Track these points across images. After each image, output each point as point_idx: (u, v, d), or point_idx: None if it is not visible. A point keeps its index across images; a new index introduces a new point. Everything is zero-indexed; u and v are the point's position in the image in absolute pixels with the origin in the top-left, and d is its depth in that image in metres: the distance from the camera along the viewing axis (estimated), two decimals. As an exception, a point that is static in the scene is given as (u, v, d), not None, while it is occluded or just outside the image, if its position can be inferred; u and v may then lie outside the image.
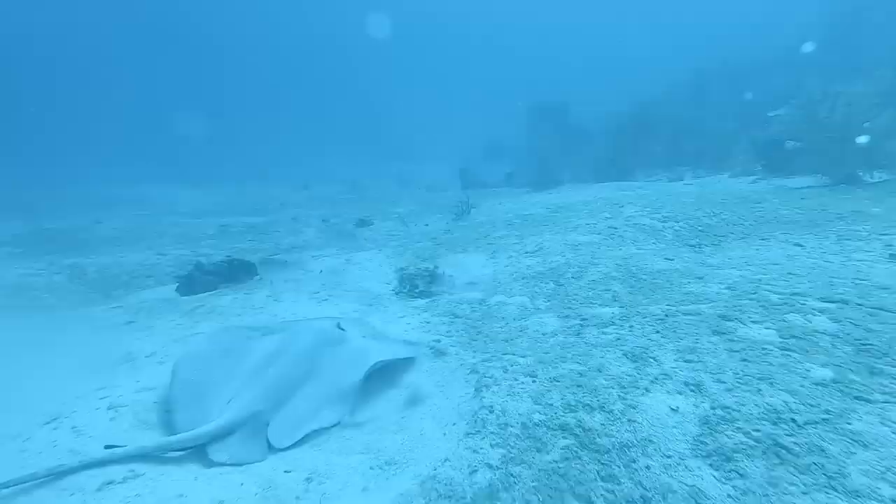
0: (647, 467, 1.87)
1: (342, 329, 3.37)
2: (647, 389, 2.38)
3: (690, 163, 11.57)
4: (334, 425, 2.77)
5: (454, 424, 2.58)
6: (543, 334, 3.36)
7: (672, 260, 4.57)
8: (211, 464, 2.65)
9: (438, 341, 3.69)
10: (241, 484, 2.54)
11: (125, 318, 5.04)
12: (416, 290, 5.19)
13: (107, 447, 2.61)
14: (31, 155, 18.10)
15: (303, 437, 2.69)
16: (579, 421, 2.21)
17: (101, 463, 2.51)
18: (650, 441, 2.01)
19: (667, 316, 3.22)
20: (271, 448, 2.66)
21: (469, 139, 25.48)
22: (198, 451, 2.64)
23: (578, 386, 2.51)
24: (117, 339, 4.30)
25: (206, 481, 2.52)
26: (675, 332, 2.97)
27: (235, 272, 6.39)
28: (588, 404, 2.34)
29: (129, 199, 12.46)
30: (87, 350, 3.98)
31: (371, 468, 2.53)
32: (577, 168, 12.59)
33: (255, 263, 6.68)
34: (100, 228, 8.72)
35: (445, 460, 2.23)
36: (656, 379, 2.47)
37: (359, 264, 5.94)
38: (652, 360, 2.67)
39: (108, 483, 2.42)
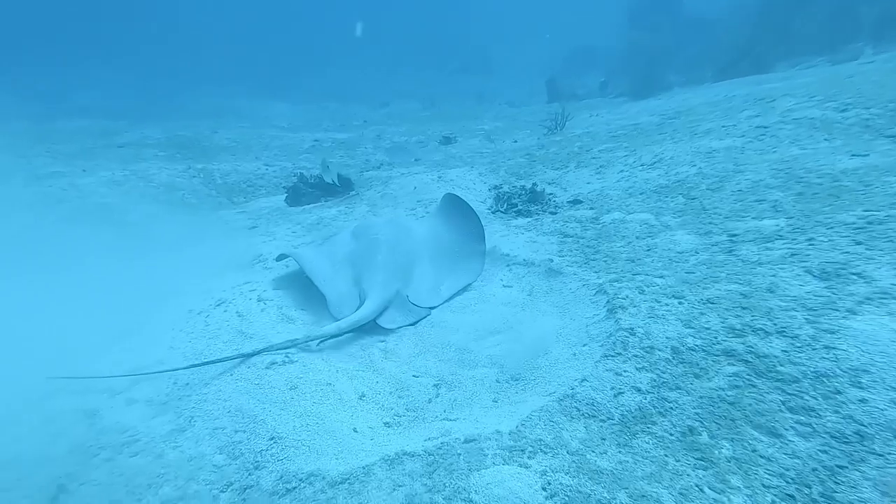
0: (863, 400, 1.60)
1: None
2: (851, 311, 2.01)
3: (868, 37, 9.03)
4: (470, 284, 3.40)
5: (585, 346, 2.46)
6: (680, 252, 3.00)
7: (865, 155, 3.75)
8: (350, 357, 2.86)
9: (551, 260, 3.49)
10: (377, 382, 2.71)
11: (249, 223, 5.44)
12: (515, 209, 4.93)
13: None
14: (153, 69, 19.32)
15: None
16: (750, 347, 1.96)
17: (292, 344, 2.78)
18: (865, 371, 1.71)
19: (869, 224, 2.67)
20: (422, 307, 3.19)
21: (553, 49, 22.75)
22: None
23: (743, 308, 2.21)
24: (248, 242, 4.67)
25: (346, 376, 2.72)
26: (891, 241, 2.45)
27: (333, 186, 6.55)
28: (761, 328, 2.05)
29: (231, 110, 13.04)
30: (229, 248, 4.38)
31: (497, 381, 2.55)
32: (688, 69, 10.64)
33: (351, 178, 6.78)
34: (217, 137, 9.28)
35: (583, 380, 2.14)
36: (868, 298, 2.07)
37: (451, 181, 5.73)
38: (855, 276, 2.24)
39: (273, 363, 2.70)
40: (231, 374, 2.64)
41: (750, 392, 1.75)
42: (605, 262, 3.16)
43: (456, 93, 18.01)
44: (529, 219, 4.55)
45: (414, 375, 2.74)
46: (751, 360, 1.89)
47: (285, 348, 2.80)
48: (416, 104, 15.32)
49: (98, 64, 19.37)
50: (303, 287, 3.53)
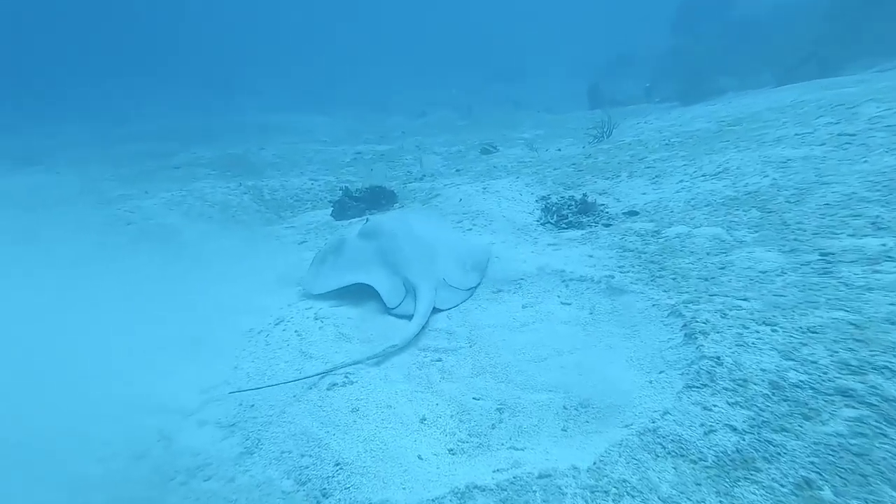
0: None
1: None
2: None
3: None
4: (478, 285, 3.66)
5: (662, 373, 2.31)
6: (763, 272, 2.78)
7: None
8: (408, 377, 2.84)
9: (612, 277, 3.34)
10: (437, 404, 2.67)
11: (299, 238, 5.61)
12: (565, 220, 4.79)
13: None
14: (199, 87, 20.63)
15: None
16: (873, 388, 1.75)
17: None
18: None
19: None
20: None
21: (589, 56, 22.33)
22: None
23: (857, 341, 2.00)
24: (299, 257, 4.80)
25: (406, 398, 2.70)
26: None
27: (378, 199, 6.65)
28: (885, 366, 1.84)
29: (274, 125, 13.63)
30: (281, 264, 4.51)
31: (564, 407, 2.44)
32: (742, 72, 10.09)
33: (394, 191, 6.86)
34: (263, 154, 9.72)
35: (665, 413, 2.00)
36: None
37: (497, 192, 5.67)
38: None
39: (334, 384, 2.73)
40: (294, 396, 2.69)
41: (881, 443, 1.56)
42: (674, 280, 2.98)
43: (491, 100, 17.99)
44: (583, 231, 4.40)
45: (474, 398, 2.68)
46: (876, 403, 1.68)
47: (385, 355, 2.94)
48: (452, 113, 15.42)
49: (152, 84, 20.86)
50: (354, 303, 3.58)
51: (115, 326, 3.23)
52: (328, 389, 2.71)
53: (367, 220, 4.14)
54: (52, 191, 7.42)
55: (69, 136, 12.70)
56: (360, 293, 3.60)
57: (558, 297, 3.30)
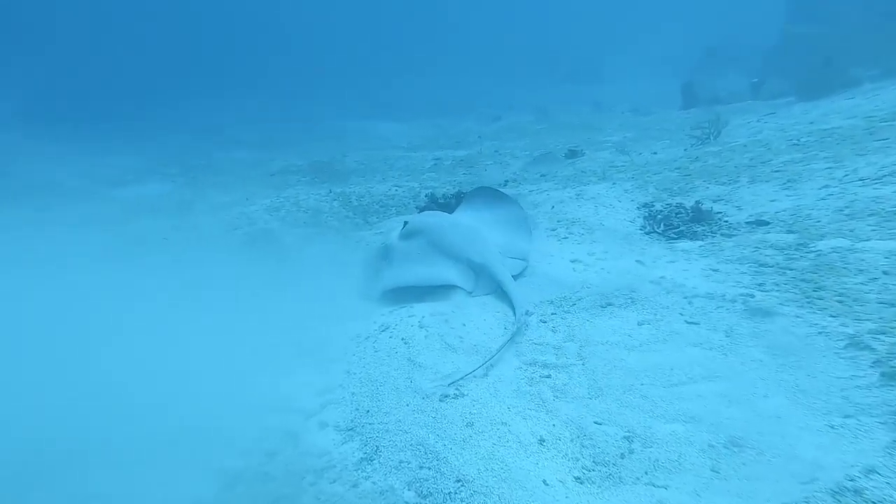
0: None
1: None
2: None
3: None
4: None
5: (849, 418, 1.99)
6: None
7: None
8: (518, 394, 2.75)
9: (751, 296, 3.00)
10: (553, 425, 2.55)
11: (388, 245, 5.80)
12: (674, 230, 4.43)
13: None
14: (285, 98, 22.47)
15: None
16: None
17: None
18: None
19: None
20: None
21: (674, 51, 20.90)
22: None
23: None
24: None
25: (519, 416, 2.61)
26: None
27: (464, 205, 6.67)
28: None
29: (354, 132, 14.38)
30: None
31: (710, 445, 2.20)
32: (881, 60, 8.76)
33: (479, 196, 6.85)
34: (347, 161, 10.27)
35: (869, 471, 1.69)
36: None
37: (592, 199, 5.41)
38: None
39: (445, 396, 2.73)
40: (408, 406, 2.72)
41: None
42: (843, 303, 2.59)
43: (568, 102, 17.47)
44: (700, 242, 4.04)
45: (596, 422, 2.53)
46: None
47: (518, 332, 3.17)
48: (528, 116, 15.18)
49: (242, 95, 23.05)
50: (440, 299, 3.59)
51: (240, 330, 3.51)
52: (440, 401, 2.71)
53: (407, 222, 4.36)
54: (171, 198, 8.42)
55: (177, 147, 14.35)
56: (435, 289, 3.60)
57: (681, 314, 3.03)
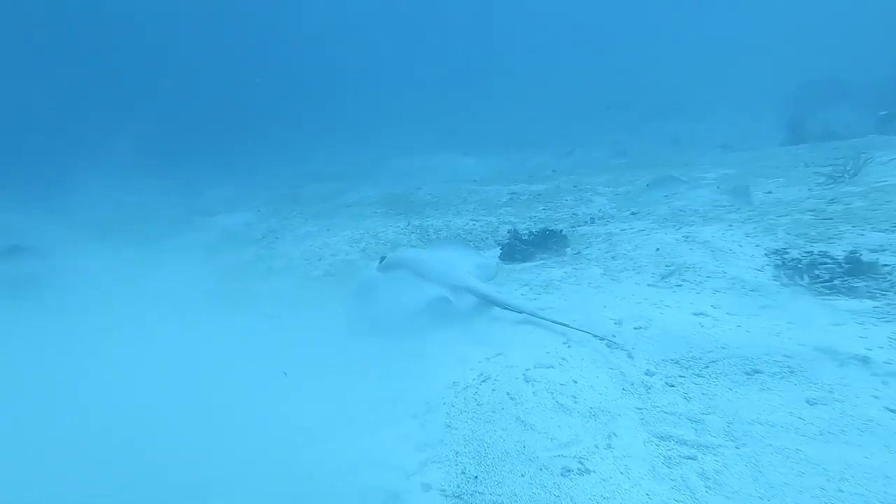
0: None
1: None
2: None
3: None
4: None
5: None
6: None
7: None
8: (656, 477, 2.34)
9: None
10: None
11: (470, 282, 5.64)
12: (824, 284, 3.82)
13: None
14: (348, 132, 23.94)
15: None
16: None
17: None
18: None
19: None
20: None
21: (766, 84, 19.64)
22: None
23: None
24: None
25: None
26: None
27: (548, 242, 6.38)
28: None
29: (425, 167, 14.79)
30: None
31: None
32: None
33: (566, 235, 6.55)
34: (421, 193, 10.47)
35: None
36: None
37: (706, 243, 4.89)
38: None
39: (567, 470, 2.40)
40: (523, 477, 2.43)
41: None
42: None
43: (645, 138, 16.80)
44: (872, 302, 3.41)
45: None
46: None
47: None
48: (602, 152, 14.78)
49: (319, 130, 24.84)
50: (558, 362, 3.25)
51: (325, 376, 3.43)
52: (562, 476, 2.39)
53: (384, 257, 5.10)
54: (258, 225, 9.00)
55: (260, 179, 15.53)
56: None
57: (875, 397, 2.48)
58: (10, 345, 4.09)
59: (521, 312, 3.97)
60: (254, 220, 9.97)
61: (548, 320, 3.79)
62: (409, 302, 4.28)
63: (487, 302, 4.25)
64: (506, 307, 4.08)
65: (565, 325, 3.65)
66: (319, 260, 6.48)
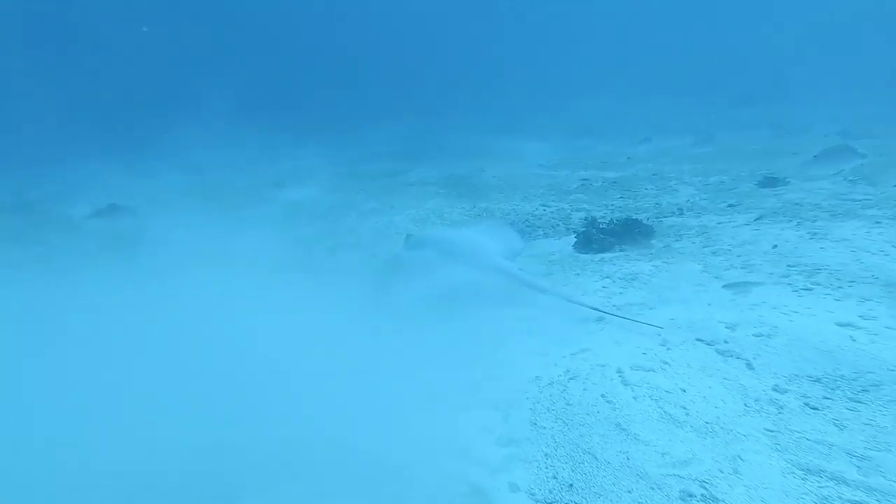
0: None
1: None
2: None
3: None
4: None
5: None
6: None
7: None
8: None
9: None
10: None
11: (543, 269, 5.22)
12: None
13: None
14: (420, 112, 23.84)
15: None
16: None
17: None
18: None
19: None
20: None
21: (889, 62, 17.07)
22: None
23: None
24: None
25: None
26: None
27: (631, 232, 5.82)
28: None
29: (487, 149, 14.31)
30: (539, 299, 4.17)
31: None
32: None
33: (651, 225, 5.95)
34: (485, 176, 10.12)
35: None
36: None
37: (841, 241, 4.16)
38: None
39: (689, 495, 2.02)
40: (630, 493, 2.08)
41: None
42: None
43: (736, 124, 15.22)
44: None
45: None
46: None
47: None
48: (684, 139, 13.52)
49: (382, 110, 24.99)
50: (660, 365, 2.83)
51: (405, 356, 3.23)
52: (682, 501, 2.01)
53: (409, 236, 5.31)
54: (323, 200, 9.09)
55: (326, 157, 15.83)
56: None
57: None
58: (115, 304, 4.28)
59: (548, 294, 3.95)
60: (319, 195, 10.10)
61: (584, 305, 3.67)
62: (445, 282, 4.26)
63: (515, 283, 4.21)
64: (535, 289, 4.05)
65: (599, 310, 3.52)
66: (385, 238, 6.35)
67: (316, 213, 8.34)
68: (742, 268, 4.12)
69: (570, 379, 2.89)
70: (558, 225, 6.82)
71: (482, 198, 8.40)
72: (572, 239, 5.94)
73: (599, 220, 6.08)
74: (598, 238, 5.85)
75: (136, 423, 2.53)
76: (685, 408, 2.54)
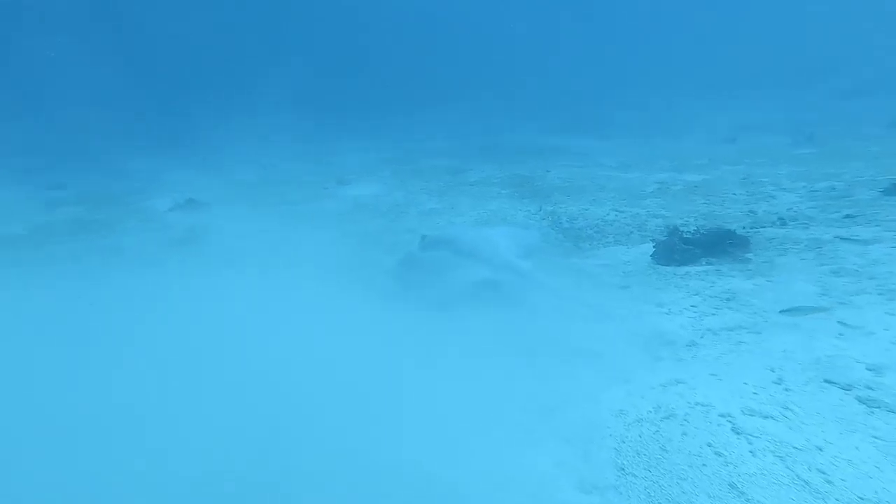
0: None
1: None
2: None
3: None
4: None
5: None
6: None
7: None
8: None
9: None
10: None
11: (617, 281, 4.72)
12: None
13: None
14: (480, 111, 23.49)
15: None
16: None
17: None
18: None
19: None
20: None
21: None
22: None
23: None
24: (631, 309, 3.92)
25: None
26: None
27: (722, 244, 5.12)
28: None
29: (552, 148, 13.67)
30: (607, 311, 3.78)
31: None
32: None
33: (746, 236, 5.20)
34: (550, 177, 9.61)
35: None
36: None
37: None
38: None
39: None
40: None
41: None
42: None
43: (844, 120, 13.37)
44: None
45: None
46: None
47: None
48: (779, 138, 12.06)
49: (445, 107, 24.92)
50: (781, 411, 2.29)
51: (465, 379, 2.93)
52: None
53: (424, 236, 5.22)
54: (385, 198, 9.06)
55: (385, 152, 15.95)
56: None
57: None
58: (188, 297, 4.43)
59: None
60: (381, 193, 10.10)
61: None
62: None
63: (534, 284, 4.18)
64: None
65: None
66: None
67: (377, 210, 8.30)
68: (880, 293, 3.39)
69: (664, 418, 2.44)
70: (632, 232, 6.20)
71: (548, 200, 7.92)
72: (650, 248, 5.34)
73: (682, 228, 5.42)
74: (681, 249, 5.21)
75: (192, 431, 2.46)
76: (825, 473, 2.02)
